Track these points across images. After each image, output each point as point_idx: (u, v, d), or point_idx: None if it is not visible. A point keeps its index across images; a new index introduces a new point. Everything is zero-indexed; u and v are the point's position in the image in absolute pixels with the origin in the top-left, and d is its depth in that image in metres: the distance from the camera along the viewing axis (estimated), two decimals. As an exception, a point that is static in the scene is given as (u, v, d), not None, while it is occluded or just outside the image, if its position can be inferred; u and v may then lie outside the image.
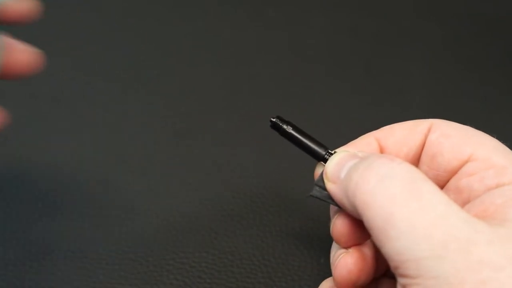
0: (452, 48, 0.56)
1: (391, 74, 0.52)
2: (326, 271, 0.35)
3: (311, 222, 0.38)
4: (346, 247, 0.27)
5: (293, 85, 0.50)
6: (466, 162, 0.26)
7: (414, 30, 0.58)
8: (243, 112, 0.47)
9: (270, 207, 0.39)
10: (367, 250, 0.27)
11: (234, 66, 0.52)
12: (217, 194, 0.39)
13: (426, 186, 0.22)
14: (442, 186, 0.27)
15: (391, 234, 0.21)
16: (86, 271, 0.34)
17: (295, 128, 0.28)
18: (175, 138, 0.44)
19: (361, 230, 0.26)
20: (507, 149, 0.26)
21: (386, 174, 0.22)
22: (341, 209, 0.26)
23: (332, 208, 0.28)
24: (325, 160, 0.27)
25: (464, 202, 0.25)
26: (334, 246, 0.28)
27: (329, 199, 0.26)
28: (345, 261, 0.26)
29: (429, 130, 0.27)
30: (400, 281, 0.22)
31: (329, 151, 0.28)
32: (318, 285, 0.29)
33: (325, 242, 0.36)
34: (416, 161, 0.28)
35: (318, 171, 0.28)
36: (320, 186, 0.26)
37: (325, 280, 0.29)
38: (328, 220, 0.28)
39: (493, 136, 0.27)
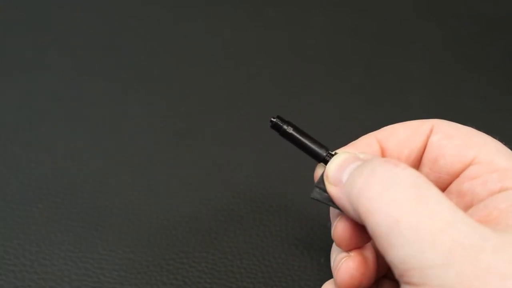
0: (452, 48, 0.56)
1: (391, 74, 0.52)
2: (326, 271, 0.35)
3: (311, 222, 0.38)
4: (347, 251, 0.26)
5: (293, 85, 0.50)
6: (469, 165, 0.26)
7: (414, 30, 0.58)
8: (243, 112, 0.47)
9: (270, 207, 0.39)
10: (368, 254, 0.26)
11: (234, 66, 0.52)
12: (217, 194, 0.39)
13: (431, 193, 0.21)
14: (444, 188, 0.27)
15: (396, 242, 0.20)
16: (86, 271, 0.34)
17: (295, 129, 0.28)
18: (175, 138, 0.44)
19: (362, 234, 0.25)
20: (510, 151, 0.26)
21: (390, 180, 0.22)
22: (342, 212, 0.25)
23: (333, 210, 0.27)
24: (326, 161, 0.27)
25: (466, 206, 0.25)
26: (335, 249, 0.27)
27: (330, 201, 0.26)
28: (347, 266, 0.26)
29: (431, 131, 0.27)
30: None
31: (330, 152, 0.27)
32: (318, 285, 0.29)
33: (325, 242, 0.36)
34: (417, 163, 0.28)
35: (318, 172, 0.28)
36: (320, 188, 0.26)
37: (326, 283, 0.28)
38: (328, 220, 0.28)
39: (495, 138, 0.26)
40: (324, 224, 0.37)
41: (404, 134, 0.28)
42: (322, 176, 0.26)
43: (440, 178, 0.27)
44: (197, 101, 0.48)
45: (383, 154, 0.28)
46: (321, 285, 0.29)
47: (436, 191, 0.21)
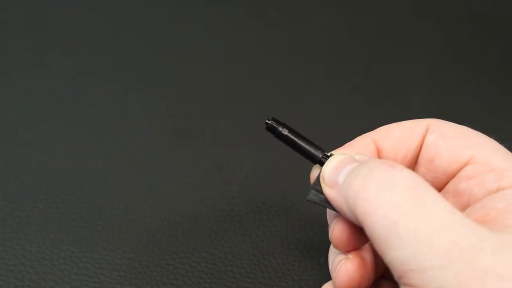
0: (452, 48, 0.56)
1: (391, 74, 0.52)
2: (326, 271, 0.35)
3: (311, 222, 0.38)
4: (345, 252, 0.26)
5: (293, 85, 0.50)
6: (465, 165, 0.25)
7: (414, 30, 0.58)
8: (243, 112, 0.47)
9: (270, 207, 0.39)
10: (366, 255, 0.26)
11: (234, 66, 0.52)
12: (217, 194, 0.39)
13: (428, 194, 0.21)
14: (440, 188, 0.27)
15: (394, 244, 0.20)
16: (86, 271, 0.34)
17: (290, 131, 0.28)
18: (175, 138, 0.44)
19: (360, 235, 0.25)
20: (507, 151, 0.26)
21: (387, 182, 0.22)
22: (339, 214, 0.25)
23: (330, 212, 0.27)
24: (322, 163, 0.27)
25: (463, 206, 0.25)
26: (333, 251, 0.27)
27: (327, 203, 0.25)
28: (346, 268, 0.26)
29: (426, 131, 0.27)
30: None
31: (326, 153, 0.27)
32: (318, 285, 0.29)
33: (325, 242, 0.36)
34: (414, 163, 0.28)
35: (314, 174, 0.27)
36: (316, 190, 0.26)
37: (325, 285, 0.28)
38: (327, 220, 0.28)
39: (492, 137, 0.26)
40: (324, 224, 0.37)
41: (400, 134, 0.28)
42: (318, 177, 0.26)
43: (436, 178, 0.27)
44: (197, 101, 0.48)
45: (379, 155, 0.28)
46: (321, 285, 0.29)
47: (433, 192, 0.21)
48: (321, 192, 0.26)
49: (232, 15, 0.59)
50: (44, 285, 0.33)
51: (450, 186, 0.26)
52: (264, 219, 0.38)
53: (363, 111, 0.47)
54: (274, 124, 0.28)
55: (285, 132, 0.27)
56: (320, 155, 0.27)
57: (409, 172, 0.22)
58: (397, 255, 0.20)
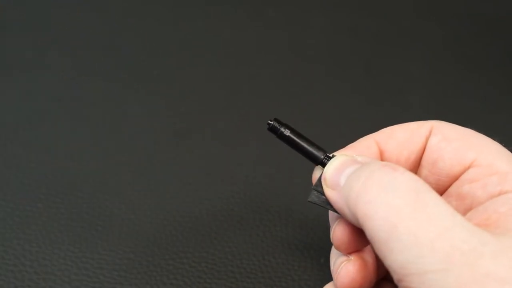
0: (452, 48, 0.56)
1: (391, 74, 0.52)
2: (326, 271, 0.35)
3: (311, 222, 0.38)
4: (347, 254, 0.26)
5: (293, 85, 0.50)
6: (468, 167, 0.25)
7: (414, 30, 0.58)
8: (243, 112, 0.47)
9: (270, 207, 0.39)
10: (368, 257, 0.26)
11: (234, 66, 0.52)
12: (217, 194, 0.39)
13: (430, 197, 0.21)
14: (443, 191, 0.27)
15: (394, 247, 0.20)
16: (86, 271, 0.34)
17: (292, 131, 0.27)
18: (175, 138, 0.44)
19: (361, 237, 0.25)
20: (510, 154, 0.25)
21: (388, 184, 0.22)
22: (340, 215, 0.25)
23: (331, 214, 0.27)
24: (324, 164, 0.27)
25: (466, 209, 0.25)
26: (334, 252, 0.27)
27: (328, 205, 0.25)
28: (347, 270, 0.26)
29: (430, 133, 0.27)
30: None
31: (328, 154, 0.27)
32: (318, 285, 0.29)
33: (325, 242, 0.36)
34: (417, 165, 0.28)
35: (316, 175, 0.27)
36: (318, 191, 0.26)
37: (326, 286, 0.28)
38: (328, 220, 0.28)
39: (495, 139, 0.26)
40: (324, 224, 0.37)
41: (403, 136, 0.27)
42: (319, 179, 0.26)
43: (439, 181, 0.26)
44: (197, 101, 0.48)
45: (381, 156, 0.28)
46: (321, 285, 0.29)
47: (434, 195, 0.21)
48: (323, 193, 0.26)
49: (232, 15, 0.59)
50: (44, 285, 0.33)
51: (453, 189, 0.26)
52: (264, 219, 0.38)
53: (363, 111, 0.47)
54: (276, 125, 0.27)
55: (287, 132, 0.27)
56: (322, 156, 0.27)
57: (411, 174, 0.22)
58: (398, 259, 0.20)
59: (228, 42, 0.55)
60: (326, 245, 0.36)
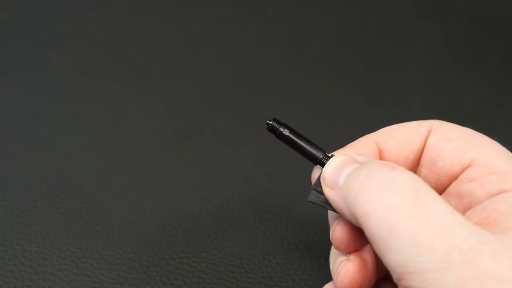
0: (452, 48, 0.56)
1: (391, 74, 0.52)
2: (326, 271, 0.35)
3: (311, 222, 0.38)
4: (347, 253, 0.26)
5: (293, 85, 0.50)
6: (467, 167, 0.25)
7: (414, 30, 0.58)
8: (243, 112, 0.47)
9: (270, 207, 0.39)
10: (367, 256, 0.26)
11: (234, 66, 0.52)
12: (217, 194, 0.39)
13: (429, 196, 0.21)
14: (442, 190, 0.27)
15: (394, 246, 0.20)
16: (86, 271, 0.34)
17: (291, 131, 0.28)
18: (175, 138, 0.44)
19: (361, 236, 0.25)
20: (509, 153, 0.25)
21: (387, 184, 0.22)
22: (340, 215, 0.25)
23: (331, 213, 0.27)
24: (323, 164, 0.27)
25: (465, 208, 0.25)
26: (334, 252, 0.27)
27: (327, 204, 0.25)
28: (347, 269, 0.26)
29: (429, 133, 0.27)
30: None
31: (327, 154, 0.27)
32: (318, 285, 0.29)
33: (325, 242, 0.36)
34: (416, 165, 0.28)
35: (315, 174, 0.27)
36: (317, 191, 0.26)
37: (326, 286, 0.28)
38: (328, 220, 0.28)
39: (495, 139, 0.26)
40: (324, 224, 0.37)
41: (402, 136, 0.27)
42: (319, 178, 0.26)
43: (438, 180, 0.26)
44: (197, 101, 0.48)
45: (381, 156, 0.28)
46: (321, 285, 0.29)
47: (433, 194, 0.21)
48: (322, 193, 0.26)
49: (232, 15, 0.59)
50: (43, 285, 0.33)
51: (452, 188, 0.26)
52: (264, 219, 0.38)
53: (363, 111, 0.47)
54: (275, 125, 0.28)
55: (286, 132, 0.27)
56: (321, 156, 0.27)
57: (410, 174, 0.22)
58: (397, 257, 0.20)
59: (228, 42, 0.55)
60: (326, 245, 0.36)
